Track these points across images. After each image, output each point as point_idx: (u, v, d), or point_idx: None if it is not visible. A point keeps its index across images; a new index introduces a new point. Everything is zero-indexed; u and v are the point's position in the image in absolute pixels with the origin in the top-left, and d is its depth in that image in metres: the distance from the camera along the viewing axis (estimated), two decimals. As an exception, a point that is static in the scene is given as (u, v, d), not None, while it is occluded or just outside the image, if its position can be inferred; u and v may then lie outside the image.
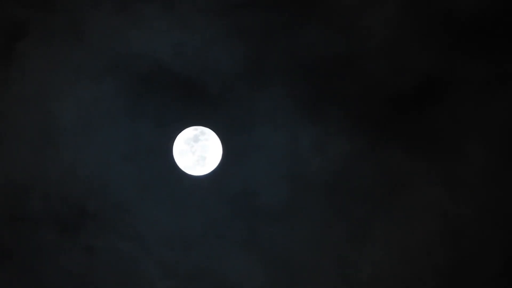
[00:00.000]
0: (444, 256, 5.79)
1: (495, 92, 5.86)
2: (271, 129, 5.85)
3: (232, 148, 5.85)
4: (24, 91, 5.87)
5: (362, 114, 5.85)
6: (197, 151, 5.76)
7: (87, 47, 5.85)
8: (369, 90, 5.87)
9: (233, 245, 5.85)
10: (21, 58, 5.86)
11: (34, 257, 5.79)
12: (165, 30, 5.87)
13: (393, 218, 5.84)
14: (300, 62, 5.86)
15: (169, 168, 5.86)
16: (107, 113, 5.85)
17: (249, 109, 5.86)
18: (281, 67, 5.85)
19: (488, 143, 5.85)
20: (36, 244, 5.78)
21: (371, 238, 5.82)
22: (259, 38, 5.85)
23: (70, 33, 5.85)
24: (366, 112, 5.85)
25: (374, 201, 5.82)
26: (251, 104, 5.87)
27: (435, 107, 5.84)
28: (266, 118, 5.84)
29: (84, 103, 5.86)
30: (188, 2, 5.85)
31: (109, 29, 5.87)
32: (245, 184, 5.85)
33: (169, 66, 5.87)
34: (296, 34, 5.86)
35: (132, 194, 5.84)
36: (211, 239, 5.85)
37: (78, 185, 5.82)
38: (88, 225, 5.82)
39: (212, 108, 5.85)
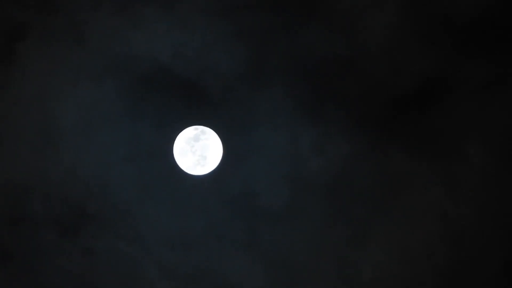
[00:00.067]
0: (445, 257, 5.79)
1: (495, 93, 5.86)
2: (271, 130, 5.86)
3: (233, 149, 5.85)
4: (24, 92, 5.87)
5: (362, 115, 5.85)
6: (198, 150, 5.77)
7: (87, 48, 5.86)
8: (369, 91, 5.87)
9: (233, 245, 5.85)
10: (22, 59, 5.87)
11: (34, 258, 5.79)
12: (165, 31, 5.88)
13: (393, 219, 5.85)
14: (301, 63, 5.87)
15: (169, 169, 5.86)
16: (107, 114, 5.86)
17: (250, 109, 5.87)
18: (282, 68, 5.86)
19: (488, 144, 5.85)
20: (36, 245, 5.78)
21: (371, 239, 5.82)
22: (260, 39, 5.86)
23: (70, 34, 5.85)
24: (366, 113, 5.86)
25: (374, 202, 5.83)
26: (251, 105, 5.87)
27: (435, 108, 5.85)
28: (266, 119, 5.85)
29: (84, 104, 5.87)
30: (188, 2, 5.86)
31: (109, 30, 5.87)
32: (245, 184, 5.86)
33: (169, 67, 5.88)
34: (296, 35, 5.86)
35: (132, 195, 5.85)
36: (211, 240, 5.86)
37: (78, 186, 5.83)
38: (88, 226, 5.82)
39: (213, 108, 5.86)
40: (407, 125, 5.84)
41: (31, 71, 5.86)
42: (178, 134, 5.81)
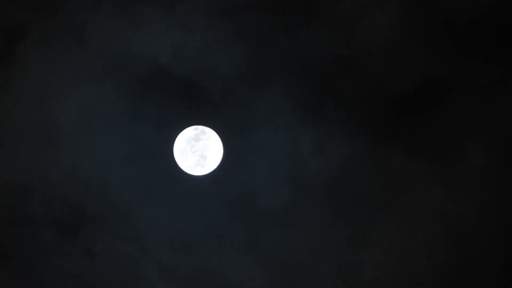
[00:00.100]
0: (445, 257, 5.78)
1: (495, 93, 5.85)
2: (271, 131, 5.85)
3: (233, 149, 5.84)
4: (24, 93, 5.87)
5: (363, 116, 5.84)
6: (198, 150, 5.76)
7: (87, 48, 5.85)
8: (370, 92, 5.86)
9: (233, 246, 5.84)
10: (21, 59, 5.86)
11: (34, 258, 5.77)
12: (165, 31, 5.87)
13: (393, 219, 5.84)
14: (301, 63, 5.86)
15: (169, 169, 5.85)
16: (107, 114, 5.85)
17: (250, 110, 5.86)
18: (282, 68, 5.85)
19: (488, 145, 5.84)
20: (36, 245, 5.77)
21: (371, 240, 5.81)
22: (260, 39, 5.85)
23: (70, 35, 5.84)
24: (367, 114, 5.85)
25: (374, 203, 5.82)
26: (251, 105, 5.86)
27: (435, 108, 5.84)
28: (266, 119, 5.84)
29: (84, 104, 5.86)
30: (188, 2, 5.85)
31: (109, 31, 5.86)
32: (245, 185, 5.85)
33: (169, 67, 5.87)
34: (296, 35, 5.85)
35: (132, 196, 5.84)
36: (211, 240, 5.85)
37: (78, 187, 5.82)
38: (88, 227, 5.82)
39: (213, 109, 5.85)
40: (407, 126, 5.84)
41: (31, 71, 5.86)
42: (178, 134, 5.81)
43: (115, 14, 5.83)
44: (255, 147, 5.83)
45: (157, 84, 5.84)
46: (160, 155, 5.84)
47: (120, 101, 5.84)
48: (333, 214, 5.82)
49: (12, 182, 5.80)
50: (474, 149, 5.81)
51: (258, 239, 5.79)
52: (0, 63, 5.83)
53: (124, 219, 5.82)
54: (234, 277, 5.84)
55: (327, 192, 5.83)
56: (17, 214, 5.78)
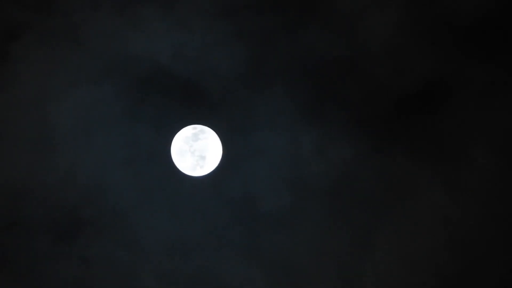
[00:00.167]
0: (449, 262, 5.74)
1: (500, 95, 5.85)
2: (271, 132, 5.86)
3: (232, 150, 5.84)
4: (20, 94, 5.85)
5: (364, 117, 5.84)
6: (197, 151, 5.74)
7: (85, 49, 5.86)
8: (372, 93, 5.87)
9: (233, 250, 5.81)
10: (18, 60, 5.86)
11: (29, 264, 5.72)
12: (164, 32, 5.90)
13: (395, 222, 5.81)
14: (301, 63, 5.87)
15: (168, 171, 5.84)
16: (105, 116, 5.85)
17: (250, 111, 5.87)
18: (282, 68, 5.87)
19: (493, 147, 5.82)
20: (30, 251, 5.73)
21: (373, 243, 5.79)
22: (260, 40, 5.87)
23: (68, 35, 5.86)
24: (368, 115, 5.85)
25: (376, 206, 5.80)
26: (251, 106, 5.87)
27: (439, 110, 5.84)
28: (266, 120, 5.85)
29: (82, 106, 5.86)
30: (188, 3, 5.88)
31: (107, 31, 5.88)
32: (245, 187, 5.85)
33: (168, 68, 5.88)
34: (297, 36, 5.87)
35: (130, 200, 5.81)
36: (211, 244, 5.82)
37: (74, 190, 5.80)
38: (84, 232, 5.79)
39: (212, 110, 5.86)
40: (410, 127, 5.84)
41: (28, 71, 5.86)
42: (176, 133, 5.79)
43: (114, 14, 5.87)
44: (255, 148, 5.83)
45: (157, 84, 5.87)
46: (159, 156, 5.84)
47: (119, 102, 5.86)
48: (334, 217, 5.80)
49: (7, 184, 5.78)
50: (478, 151, 5.80)
51: (258, 242, 5.78)
52: (-3, 63, 5.87)
53: (122, 223, 5.80)
54: (234, 281, 5.80)
55: (328, 195, 5.81)
56: (12, 218, 5.75)
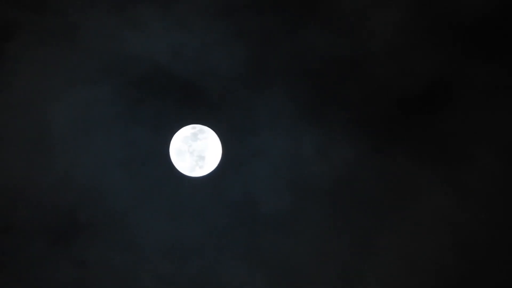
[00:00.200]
0: (452, 265, 5.73)
1: (503, 95, 5.84)
2: (272, 133, 5.86)
3: (232, 152, 5.84)
4: (16, 95, 5.82)
5: (367, 119, 5.85)
6: (196, 151, 5.72)
7: (83, 48, 5.84)
8: (374, 94, 5.87)
9: (232, 254, 5.81)
10: (12, 60, 5.82)
11: (25, 268, 5.70)
12: (163, 31, 5.88)
13: (398, 226, 5.80)
14: (302, 64, 5.87)
15: (166, 172, 5.83)
16: (102, 117, 5.83)
17: (250, 112, 5.87)
18: (283, 69, 5.87)
19: (496, 148, 5.81)
20: (25, 255, 5.71)
21: (376, 247, 5.78)
22: (260, 40, 5.87)
23: (65, 34, 5.84)
24: (371, 116, 5.85)
25: (379, 210, 5.79)
26: (251, 107, 5.87)
27: (442, 111, 5.84)
28: (267, 122, 5.86)
29: (79, 106, 5.84)
30: (187, 2, 5.87)
31: (104, 30, 5.86)
32: (245, 189, 5.84)
33: (167, 68, 5.87)
34: (298, 35, 5.87)
35: (127, 202, 5.80)
36: (210, 248, 5.81)
37: (70, 193, 5.78)
38: (80, 235, 5.77)
39: (212, 111, 5.85)
40: (412, 128, 5.83)
41: (25, 72, 5.83)
42: (175, 133, 5.77)
43: (111, 13, 5.85)
44: (255, 149, 5.84)
45: (155, 85, 5.86)
46: (157, 157, 5.84)
47: (116, 103, 5.84)
48: (335, 218, 5.80)
49: (3, 186, 5.75)
50: (481, 151, 5.79)
51: (259, 243, 5.78)
52: (-10, 63, 5.85)
53: (120, 225, 5.79)
54: (234, 283, 5.79)
55: (329, 197, 5.81)
56: (8, 220, 5.72)
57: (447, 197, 5.76)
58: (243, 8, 5.84)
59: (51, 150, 5.77)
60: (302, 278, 5.75)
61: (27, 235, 5.70)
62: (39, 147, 5.77)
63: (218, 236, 5.79)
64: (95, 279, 5.71)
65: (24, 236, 5.69)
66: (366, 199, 5.79)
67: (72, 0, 5.81)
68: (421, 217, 5.77)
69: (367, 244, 5.75)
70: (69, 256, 5.72)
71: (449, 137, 5.81)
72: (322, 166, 5.83)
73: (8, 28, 5.80)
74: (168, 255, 5.79)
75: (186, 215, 5.81)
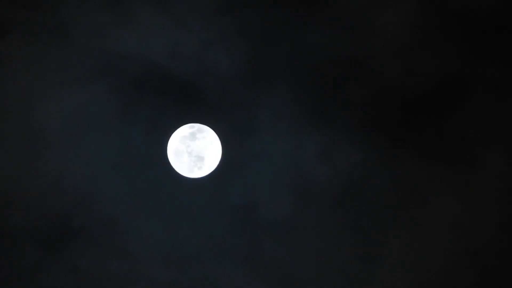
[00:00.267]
0: (463, 273, 5.68)
1: None
2: (273, 136, 5.81)
3: (231, 155, 5.79)
4: (5, 95, 5.75)
5: (372, 121, 5.80)
6: (194, 151, 5.64)
7: (75, 47, 5.79)
8: (380, 95, 5.82)
9: (232, 261, 5.76)
10: (2, 59, 5.76)
11: (17, 276, 5.64)
12: (160, 29, 5.84)
13: (406, 233, 5.74)
14: (305, 63, 5.83)
15: (163, 175, 5.78)
16: (96, 119, 5.79)
17: (250, 114, 5.82)
18: (284, 69, 5.82)
19: (508, 151, 5.75)
20: (18, 262, 5.65)
21: (382, 254, 5.73)
22: (261, 38, 5.82)
23: (57, 32, 5.78)
24: (376, 119, 5.81)
25: (385, 215, 5.75)
26: (252, 109, 5.82)
27: (451, 113, 5.79)
28: (268, 124, 5.81)
29: (71, 107, 5.79)
30: None
31: (98, 28, 5.81)
32: (245, 193, 5.79)
33: (164, 67, 5.83)
34: (300, 34, 5.82)
35: (122, 206, 5.75)
36: (208, 255, 5.76)
37: (63, 197, 5.73)
38: (75, 241, 5.73)
39: (211, 113, 5.80)
40: (420, 130, 5.79)
41: (12, 71, 5.76)
42: (172, 133, 5.71)
43: (105, 10, 5.79)
44: (256, 152, 5.79)
45: (151, 85, 5.81)
46: (154, 158, 5.78)
47: (110, 104, 5.79)
48: (340, 225, 5.76)
49: None
50: (492, 155, 5.74)
51: (259, 251, 5.74)
52: (-21, 63, 5.79)
53: (114, 231, 5.75)
54: None
55: (333, 203, 5.77)
56: None
57: (456, 202, 5.72)
58: (243, 6, 5.80)
59: (44, 153, 5.74)
60: (304, 286, 5.72)
61: (18, 241, 5.66)
62: (30, 149, 5.73)
63: (217, 241, 5.76)
64: (89, 286, 5.68)
65: (15, 242, 5.66)
66: (371, 204, 5.74)
67: (65, -3, 5.79)
68: (431, 224, 5.73)
69: (372, 251, 5.71)
70: (63, 262, 5.68)
71: (459, 139, 5.76)
72: (325, 169, 5.79)
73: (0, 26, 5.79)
74: (165, 261, 5.75)
75: (183, 219, 5.77)
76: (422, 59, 5.80)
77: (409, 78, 5.80)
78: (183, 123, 5.68)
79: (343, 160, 5.77)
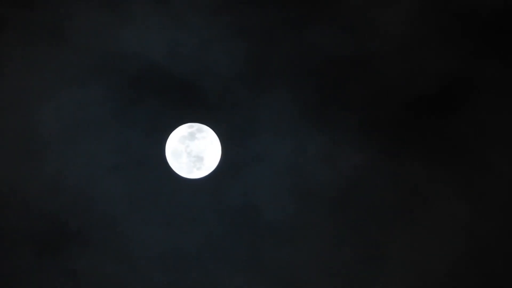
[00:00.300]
0: (469, 278, 5.65)
1: None
2: (274, 137, 5.79)
3: (231, 156, 5.76)
4: (0, 96, 5.73)
5: (375, 121, 5.77)
6: (193, 151, 5.61)
7: (71, 46, 5.77)
8: (383, 95, 5.79)
9: (232, 264, 5.72)
10: None
11: (11, 280, 5.61)
12: (159, 28, 5.83)
13: (410, 236, 5.71)
14: (306, 64, 5.81)
15: (162, 176, 5.75)
16: (93, 119, 5.76)
17: (250, 115, 5.79)
18: (285, 69, 5.80)
19: None
20: (12, 265, 5.62)
21: (385, 258, 5.70)
22: (262, 37, 5.80)
23: (53, 31, 5.77)
24: (379, 119, 5.78)
25: (388, 217, 5.71)
26: (252, 110, 5.80)
27: (456, 113, 5.76)
28: (268, 124, 5.78)
29: (68, 108, 5.77)
30: None
31: (96, 27, 5.80)
32: (245, 195, 5.76)
33: (163, 67, 5.81)
34: (301, 33, 5.80)
35: (121, 209, 5.72)
36: (208, 258, 5.73)
37: (59, 199, 5.71)
38: (71, 244, 5.71)
39: (210, 114, 5.77)
40: (425, 131, 5.76)
41: (7, 71, 5.74)
42: (171, 133, 5.69)
43: (103, 8, 5.78)
44: (256, 153, 5.76)
45: (150, 85, 5.79)
46: (152, 159, 5.76)
47: (108, 104, 5.78)
48: (342, 229, 5.72)
49: None
50: (498, 155, 5.71)
51: (260, 255, 5.72)
52: (-27, 62, 5.77)
53: (111, 234, 5.72)
54: None
55: (335, 204, 5.74)
56: None
57: (459, 203, 5.69)
58: (244, 4, 5.78)
59: (39, 154, 5.71)
60: (306, 290, 5.68)
61: (13, 243, 5.64)
62: (27, 150, 5.71)
63: (216, 243, 5.73)
64: (86, 291, 5.64)
65: (10, 245, 5.63)
66: (374, 207, 5.71)
67: (62, -6, 5.79)
68: (436, 226, 5.70)
69: (376, 255, 5.68)
70: (59, 266, 5.65)
71: (464, 141, 5.74)
72: (327, 171, 5.77)
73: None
74: (164, 264, 5.72)
75: (183, 221, 5.74)
76: (424, 59, 5.78)
77: (411, 78, 5.79)
78: (182, 123, 5.68)
79: (344, 161, 5.74)
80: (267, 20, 5.78)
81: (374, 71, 5.78)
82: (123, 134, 5.74)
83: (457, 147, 5.72)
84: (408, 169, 5.72)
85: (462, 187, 5.70)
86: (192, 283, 5.68)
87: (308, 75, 5.78)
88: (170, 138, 5.62)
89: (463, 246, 5.65)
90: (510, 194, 5.67)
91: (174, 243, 5.71)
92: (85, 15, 5.75)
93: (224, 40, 5.77)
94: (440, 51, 5.76)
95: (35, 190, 5.66)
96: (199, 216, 5.73)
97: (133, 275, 5.67)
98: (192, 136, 5.62)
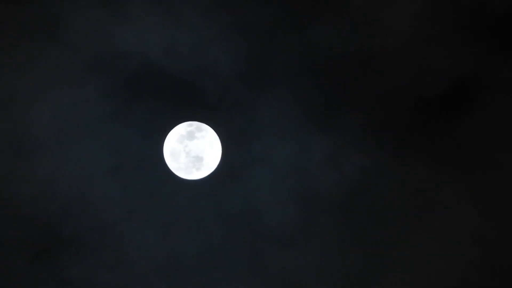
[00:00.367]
0: (474, 283, 5.57)
1: None
2: (276, 138, 5.76)
3: (231, 158, 5.72)
4: None
5: (381, 122, 5.73)
6: (192, 151, 5.55)
7: (66, 44, 5.73)
8: (389, 95, 5.74)
9: (232, 271, 5.68)
10: None
11: (3, 287, 5.53)
12: (156, 26, 5.80)
13: (418, 241, 5.66)
14: (308, 63, 5.77)
15: (160, 177, 5.72)
16: (88, 120, 5.73)
17: (251, 115, 5.76)
18: (287, 68, 5.76)
19: None
20: (4, 272, 5.57)
21: (392, 264, 5.64)
22: (263, 35, 5.77)
23: (47, 29, 5.72)
24: (385, 120, 5.73)
25: (395, 222, 5.67)
26: (253, 110, 5.77)
27: (465, 114, 5.72)
28: (270, 125, 5.76)
29: (62, 108, 5.73)
30: None
31: (91, 25, 5.76)
32: (246, 199, 5.72)
33: (160, 66, 5.77)
34: (303, 31, 5.76)
35: (116, 213, 5.68)
36: (207, 264, 5.69)
37: (53, 204, 5.67)
38: (65, 251, 5.67)
39: (210, 114, 5.73)
40: (431, 133, 5.72)
41: (1, 70, 5.68)
42: (169, 132, 5.64)
43: (98, 5, 5.74)
44: (257, 155, 5.74)
45: (147, 85, 5.77)
46: (149, 159, 5.74)
47: (103, 104, 5.75)
48: (347, 234, 5.68)
49: None
50: (510, 159, 5.65)
51: (261, 261, 5.70)
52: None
53: (106, 240, 5.70)
54: None
55: (339, 208, 5.71)
56: None
57: (470, 208, 5.65)
58: (244, 3, 5.75)
59: (32, 156, 5.67)
60: (309, 297, 5.67)
61: (5, 250, 5.60)
62: (18, 154, 5.67)
63: (216, 249, 5.71)
64: (80, 299, 5.63)
65: (1, 252, 5.59)
66: (380, 211, 5.67)
67: (55, -10, 5.77)
68: (444, 231, 5.66)
69: (381, 261, 5.63)
70: (52, 273, 5.62)
71: (472, 142, 5.68)
72: (331, 174, 5.74)
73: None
74: (161, 271, 5.70)
75: (181, 225, 5.72)
76: (433, 58, 5.75)
77: (421, 77, 5.75)
78: (181, 121, 5.65)
79: (350, 164, 5.72)
80: (268, 18, 5.76)
81: (379, 70, 5.74)
82: (119, 135, 5.72)
83: (464, 148, 5.70)
84: (414, 171, 5.68)
85: (470, 190, 5.68)
86: (191, 291, 5.65)
87: (310, 75, 5.74)
88: (168, 138, 5.57)
89: (471, 250, 5.60)
90: (522, 198, 5.67)
91: (173, 247, 5.68)
92: (79, 12, 5.73)
93: (224, 38, 5.75)
94: (449, 50, 5.74)
95: (26, 194, 5.62)
96: (197, 220, 5.71)
97: (129, 283, 5.65)
98: (191, 135, 5.57)
